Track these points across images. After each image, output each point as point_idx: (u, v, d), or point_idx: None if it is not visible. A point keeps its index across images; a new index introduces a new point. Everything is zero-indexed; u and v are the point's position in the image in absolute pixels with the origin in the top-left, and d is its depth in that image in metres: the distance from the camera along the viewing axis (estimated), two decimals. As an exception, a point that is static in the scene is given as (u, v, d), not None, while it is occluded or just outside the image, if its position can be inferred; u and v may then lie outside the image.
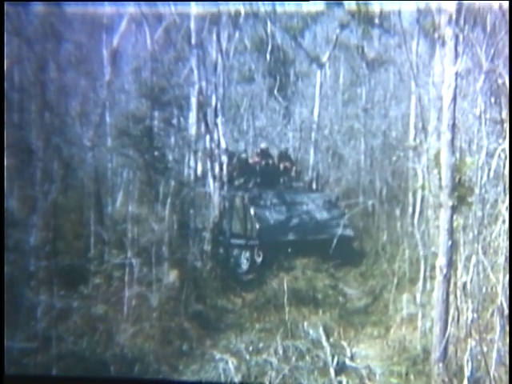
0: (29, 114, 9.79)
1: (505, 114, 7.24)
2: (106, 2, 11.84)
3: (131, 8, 11.78)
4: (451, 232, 7.38)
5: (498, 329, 6.98)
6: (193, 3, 12.30)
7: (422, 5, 10.93)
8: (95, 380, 7.08)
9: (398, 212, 12.07)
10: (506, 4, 7.29)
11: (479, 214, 7.48)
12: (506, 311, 6.90)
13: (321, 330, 9.68)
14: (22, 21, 9.63)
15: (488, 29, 7.77)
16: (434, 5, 8.52)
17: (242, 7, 13.91)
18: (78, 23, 11.26)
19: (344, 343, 9.39)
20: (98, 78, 11.91)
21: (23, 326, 7.44)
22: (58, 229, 9.64)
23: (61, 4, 10.16)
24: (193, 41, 12.53)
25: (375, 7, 15.48)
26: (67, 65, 10.76)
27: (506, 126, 7.18)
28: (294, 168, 15.61)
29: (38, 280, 8.14)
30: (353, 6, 15.67)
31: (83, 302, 8.84)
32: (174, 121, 12.48)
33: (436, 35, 8.80)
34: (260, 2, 14.62)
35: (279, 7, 15.52)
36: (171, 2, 12.06)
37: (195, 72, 12.63)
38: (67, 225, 10.80)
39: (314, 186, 16.24)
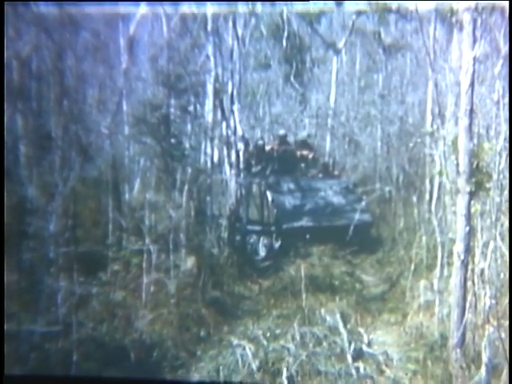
0: (47, 102, 9.87)
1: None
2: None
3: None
4: (469, 218, 7.37)
5: (515, 315, 6.98)
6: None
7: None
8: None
9: (414, 198, 12.00)
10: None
11: (497, 199, 7.47)
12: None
13: (338, 316, 9.68)
14: (40, 10, 9.71)
15: (506, 13, 7.71)
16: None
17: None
18: (96, 12, 11.30)
19: (361, 330, 9.41)
20: (115, 66, 11.96)
21: (44, 312, 7.55)
22: (76, 216, 9.74)
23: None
24: (209, 28, 12.51)
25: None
26: (85, 53, 10.83)
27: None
28: (310, 155, 15.59)
29: (58, 266, 8.23)
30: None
31: (102, 288, 8.96)
32: (191, 108, 12.49)
33: (453, 20, 8.75)
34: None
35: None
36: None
37: (211, 59, 12.61)
38: (86, 212, 10.90)
39: (331, 173, 16.20)
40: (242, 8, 13.31)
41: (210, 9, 12.41)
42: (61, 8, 9.76)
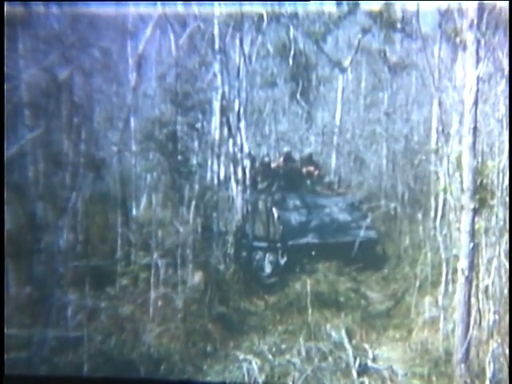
0: (57, 119, 10.00)
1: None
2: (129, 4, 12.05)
3: (155, 12, 11.96)
4: (473, 234, 7.45)
5: (519, 331, 7.04)
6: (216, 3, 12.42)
7: (443, 7, 11.00)
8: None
9: (420, 215, 12.08)
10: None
11: (501, 216, 7.54)
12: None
13: (343, 332, 9.75)
14: (48, 27, 9.87)
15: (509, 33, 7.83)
16: (455, 8, 8.63)
17: (264, 10, 13.98)
18: (104, 29, 11.48)
19: (366, 345, 9.47)
20: (124, 84, 12.11)
21: (53, 326, 7.64)
22: (86, 231, 9.85)
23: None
24: (216, 46, 12.65)
25: (396, 8, 15.48)
26: (94, 71, 10.97)
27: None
28: (316, 172, 15.68)
29: (68, 281, 8.34)
30: (372, 7, 15.70)
31: (111, 302, 9.06)
32: (198, 125, 12.59)
33: (458, 40, 8.89)
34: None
35: (301, 9, 15.62)
36: (193, 2, 12.23)
37: (218, 77, 12.73)
38: (94, 227, 10.99)
39: (337, 190, 16.27)
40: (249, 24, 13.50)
41: (216, 27, 12.59)
42: (71, 25, 9.94)
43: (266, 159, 15.37)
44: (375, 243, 14.33)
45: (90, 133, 10.63)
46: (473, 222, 7.46)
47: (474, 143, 7.40)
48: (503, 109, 7.84)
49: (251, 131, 15.12)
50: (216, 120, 13.08)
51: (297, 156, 16.18)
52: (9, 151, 8.07)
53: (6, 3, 8.03)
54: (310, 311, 10.32)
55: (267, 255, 13.68)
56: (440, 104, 9.57)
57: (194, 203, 10.89)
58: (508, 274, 7.35)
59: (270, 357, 8.76)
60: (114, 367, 7.76)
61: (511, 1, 7.33)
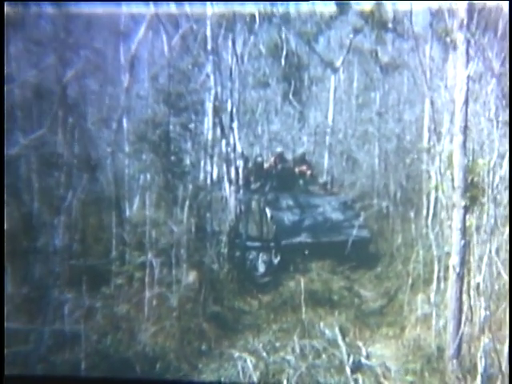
0: (50, 120, 10.03)
1: (516, 116, 7.41)
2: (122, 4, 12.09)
3: (147, 12, 12.00)
4: (464, 232, 7.54)
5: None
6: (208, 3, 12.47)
7: (434, 7, 11.08)
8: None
9: (412, 214, 12.15)
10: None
11: (492, 213, 7.63)
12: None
13: (337, 330, 9.81)
14: (40, 28, 9.91)
15: (499, 33, 7.94)
16: (445, 8, 8.72)
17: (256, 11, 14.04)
18: (97, 30, 11.53)
19: (360, 343, 9.53)
20: (117, 85, 12.16)
21: (50, 325, 7.68)
22: (80, 231, 9.90)
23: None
24: (209, 47, 12.71)
25: (388, 8, 15.54)
26: (87, 72, 11.01)
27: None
28: (309, 172, 15.76)
29: (63, 281, 8.39)
30: (364, 6, 15.76)
31: (106, 301, 9.11)
32: (191, 126, 12.63)
33: (448, 39, 8.97)
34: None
35: (293, 9, 15.69)
36: (185, 3, 12.28)
37: (211, 78, 12.78)
38: (89, 227, 11.04)
39: (329, 190, 16.34)
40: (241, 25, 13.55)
41: (209, 28, 12.64)
42: (64, 27, 9.98)
43: (259, 159, 15.44)
44: (368, 242, 14.41)
45: (83, 134, 10.66)
46: (464, 220, 7.55)
47: (464, 142, 7.49)
48: (493, 108, 7.93)
49: (244, 131, 15.18)
50: (209, 120, 13.14)
51: (289, 156, 16.26)
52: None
53: (-2, 3, 8.07)
54: (303, 310, 10.37)
55: (261, 255, 13.74)
56: (432, 103, 9.66)
57: (187, 203, 10.92)
58: (508, 271, 7.41)
59: (264, 355, 8.82)
60: (110, 366, 7.80)
61: (511, 1, 7.43)
